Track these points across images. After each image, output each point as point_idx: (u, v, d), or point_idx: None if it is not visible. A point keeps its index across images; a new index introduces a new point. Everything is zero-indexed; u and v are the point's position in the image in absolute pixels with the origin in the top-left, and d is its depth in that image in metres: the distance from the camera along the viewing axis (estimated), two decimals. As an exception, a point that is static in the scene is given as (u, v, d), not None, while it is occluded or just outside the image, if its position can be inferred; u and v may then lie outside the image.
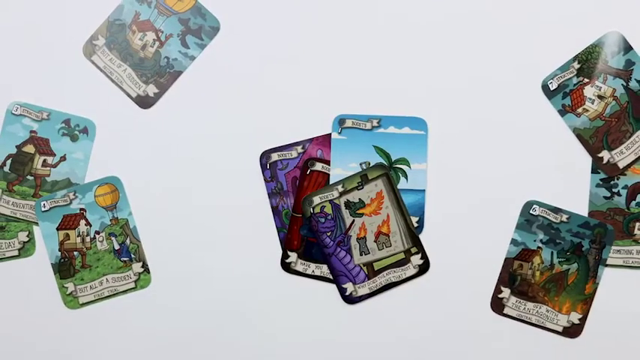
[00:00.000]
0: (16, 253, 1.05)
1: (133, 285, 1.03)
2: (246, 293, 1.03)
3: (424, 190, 1.02)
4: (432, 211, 1.02)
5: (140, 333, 1.02)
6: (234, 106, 1.02)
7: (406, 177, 1.02)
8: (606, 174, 1.00)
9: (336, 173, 1.03)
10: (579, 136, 0.99)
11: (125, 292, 1.03)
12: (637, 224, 1.01)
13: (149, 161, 1.03)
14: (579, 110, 1.00)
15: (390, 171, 1.03)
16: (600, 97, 1.00)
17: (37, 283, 1.04)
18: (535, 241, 0.99)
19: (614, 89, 1.00)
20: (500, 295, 0.99)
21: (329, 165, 1.02)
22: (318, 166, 1.02)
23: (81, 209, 1.06)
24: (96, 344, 1.04)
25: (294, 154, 1.03)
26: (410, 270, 1.03)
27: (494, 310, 1.00)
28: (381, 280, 1.03)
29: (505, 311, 1.01)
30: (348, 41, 1.02)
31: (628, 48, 0.98)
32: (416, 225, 1.02)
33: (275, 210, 1.02)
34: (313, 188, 1.03)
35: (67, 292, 1.05)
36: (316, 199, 1.02)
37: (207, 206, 1.03)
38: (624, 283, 1.02)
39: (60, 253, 1.06)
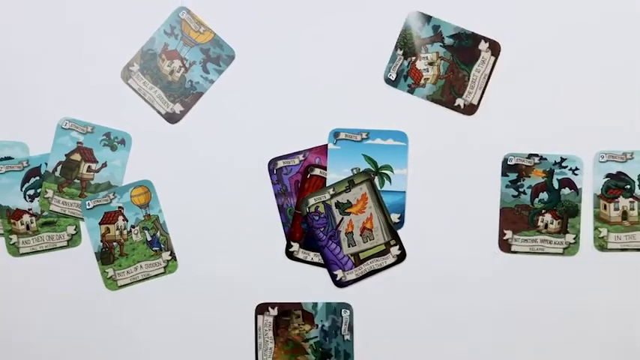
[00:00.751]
0: (65, 243, 1.11)
1: (162, 270, 1.10)
2: (256, 276, 1.09)
3: (405, 192, 1.08)
4: (411, 209, 1.08)
5: (168, 310, 1.09)
6: (247, 120, 1.07)
7: (390, 180, 1.07)
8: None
9: (332, 177, 1.08)
10: (433, 100, 1.07)
11: (156, 276, 1.10)
12: (540, 217, 1.08)
13: (176, 167, 1.09)
14: (422, 82, 1.07)
15: (373, 177, 1.09)
16: (430, 63, 1.07)
17: (83, 269, 1.11)
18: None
19: (436, 52, 1.07)
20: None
21: (326, 170, 1.08)
22: (317, 172, 1.08)
23: (119, 207, 1.12)
24: (131, 319, 1.11)
25: (297, 161, 1.08)
26: (390, 259, 1.09)
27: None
28: (365, 267, 1.10)
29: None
30: (342, 68, 1.07)
31: (428, 17, 1.06)
32: (397, 221, 1.08)
33: (280, 208, 1.08)
34: (312, 190, 1.09)
35: (108, 276, 1.11)
36: (311, 201, 1.08)
37: (224, 204, 1.08)
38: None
39: (102, 243, 1.12)
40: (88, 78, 1.09)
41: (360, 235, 1.09)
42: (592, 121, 1.06)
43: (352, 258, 1.09)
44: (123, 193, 1.10)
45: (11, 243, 1.12)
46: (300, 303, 1.09)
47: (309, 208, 1.08)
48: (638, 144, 1.07)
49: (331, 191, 1.08)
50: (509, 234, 1.08)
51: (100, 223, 1.11)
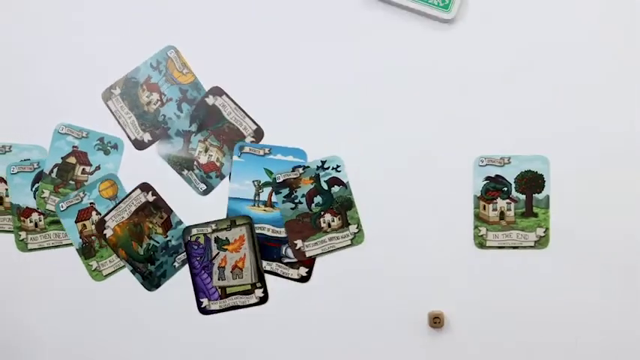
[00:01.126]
0: (70, 241, 1.18)
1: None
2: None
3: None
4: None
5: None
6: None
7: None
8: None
9: (234, 187, 1.15)
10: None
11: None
12: (321, 219, 1.13)
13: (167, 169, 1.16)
14: (218, 164, 1.15)
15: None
16: (206, 150, 1.15)
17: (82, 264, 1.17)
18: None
19: (199, 141, 1.16)
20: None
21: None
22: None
23: (90, 203, 1.16)
24: (119, 303, 1.18)
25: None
26: (253, 299, 1.16)
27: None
28: (229, 301, 1.16)
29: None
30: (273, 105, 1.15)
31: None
32: None
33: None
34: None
35: (92, 269, 1.16)
36: (194, 231, 1.14)
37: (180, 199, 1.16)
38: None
39: (81, 239, 1.16)
40: (84, 92, 1.18)
41: (231, 272, 1.16)
42: (475, 126, 1.12)
43: (219, 290, 1.16)
44: (91, 190, 1.16)
45: (20, 239, 1.17)
46: (172, 211, 1.15)
47: (190, 237, 1.15)
48: (515, 149, 1.13)
49: (213, 226, 1.15)
50: (299, 243, 1.14)
51: (76, 222, 1.16)
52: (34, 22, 1.19)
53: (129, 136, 1.17)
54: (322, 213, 1.14)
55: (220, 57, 1.17)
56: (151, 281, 1.17)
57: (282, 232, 1.14)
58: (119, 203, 1.15)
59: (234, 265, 1.15)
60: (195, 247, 1.15)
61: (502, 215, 1.13)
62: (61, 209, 1.16)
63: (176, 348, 1.19)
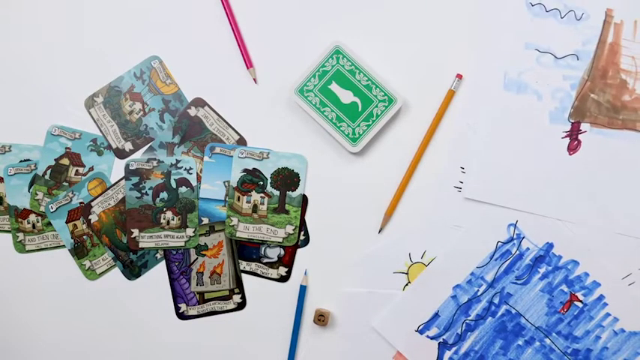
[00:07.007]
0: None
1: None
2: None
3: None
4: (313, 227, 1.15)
5: (142, 285, 1.17)
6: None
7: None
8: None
9: (205, 188, 1.15)
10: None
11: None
12: (162, 215, 1.12)
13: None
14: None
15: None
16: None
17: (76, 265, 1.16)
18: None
19: (182, 152, 1.14)
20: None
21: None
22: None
23: (80, 203, 1.15)
24: (111, 299, 1.18)
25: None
26: (230, 305, 1.15)
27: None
28: (207, 307, 1.16)
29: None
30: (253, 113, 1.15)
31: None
32: (303, 237, 1.15)
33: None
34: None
35: (86, 268, 1.15)
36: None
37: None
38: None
39: (73, 240, 1.14)
40: (72, 96, 1.18)
41: (209, 277, 1.15)
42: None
43: (197, 296, 1.15)
44: (80, 189, 1.15)
45: (18, 240, 1.16)
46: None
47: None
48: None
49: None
50: (135, 232, 1.13)
51: (66, 222, 1.15)
52: (35, 21, 1.20)
53: (110, 145, 1.17)
54: (164, 209, 1.14)
55: (203, 68, 1.17)
56: (132, 270, 1.16)
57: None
58: (107, 190, 1.15)
59: (213, 270, 1.15)
60: (174, 253, 1.15)
61: (255, 208, 1.14)
62: (51, 210, 1.15)
63: (176, 344, 1.20)
